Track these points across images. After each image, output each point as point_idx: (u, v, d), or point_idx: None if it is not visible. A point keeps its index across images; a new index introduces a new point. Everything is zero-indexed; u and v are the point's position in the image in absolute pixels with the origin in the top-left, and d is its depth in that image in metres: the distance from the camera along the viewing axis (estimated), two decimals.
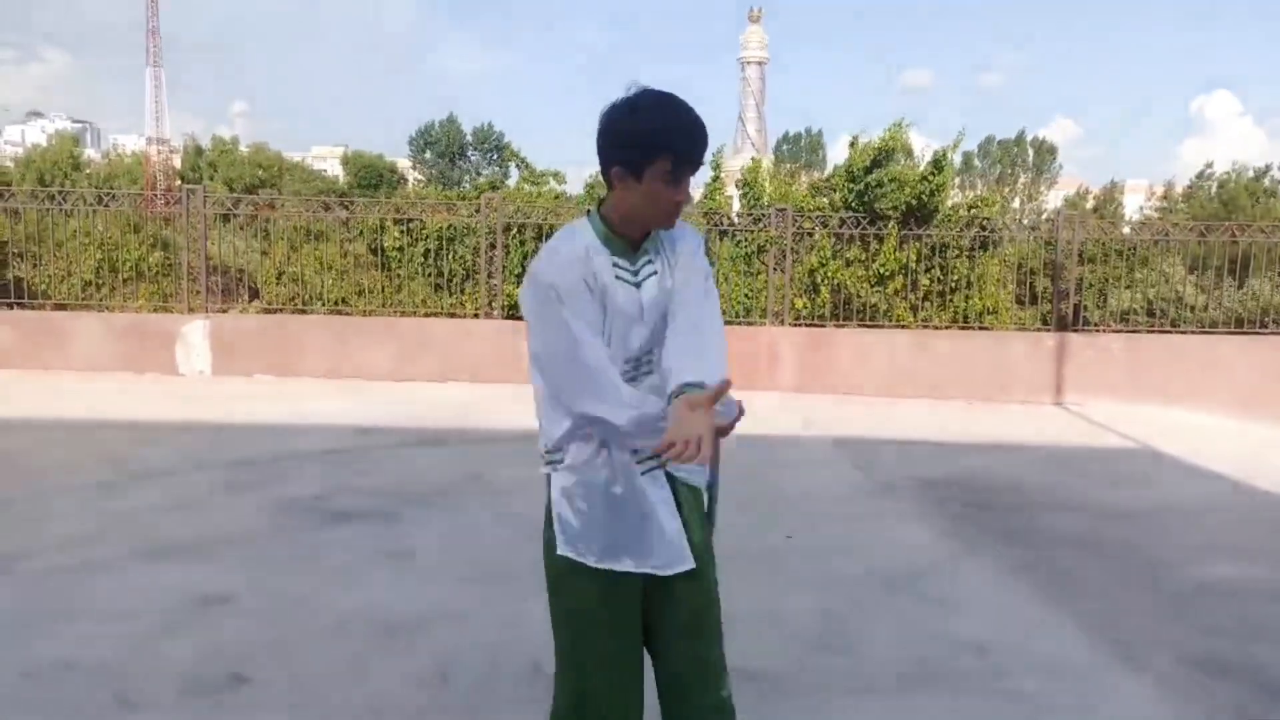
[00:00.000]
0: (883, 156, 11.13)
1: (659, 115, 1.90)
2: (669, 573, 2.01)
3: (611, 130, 1.93)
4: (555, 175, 12.65)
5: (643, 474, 2.00)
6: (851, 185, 11.15)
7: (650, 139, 1.89)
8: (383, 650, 3.53)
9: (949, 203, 11.35)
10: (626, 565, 2.01)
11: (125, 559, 4.44)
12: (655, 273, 2.01)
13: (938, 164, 10.91)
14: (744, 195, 11.92)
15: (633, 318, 1.99)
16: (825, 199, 11.68)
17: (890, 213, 10.75)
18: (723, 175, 12.26)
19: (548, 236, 11.11)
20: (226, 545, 4.69)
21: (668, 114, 1.91)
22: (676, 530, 2.02)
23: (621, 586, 2.02)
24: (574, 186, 12.78)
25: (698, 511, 2.09)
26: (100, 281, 11.05)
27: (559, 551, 2.04)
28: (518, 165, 13.24)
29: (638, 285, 2.00)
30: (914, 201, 10.73)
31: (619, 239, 2.00)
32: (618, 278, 1.98)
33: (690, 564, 2.02)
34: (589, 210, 2.05)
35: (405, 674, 3.34)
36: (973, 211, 11.22)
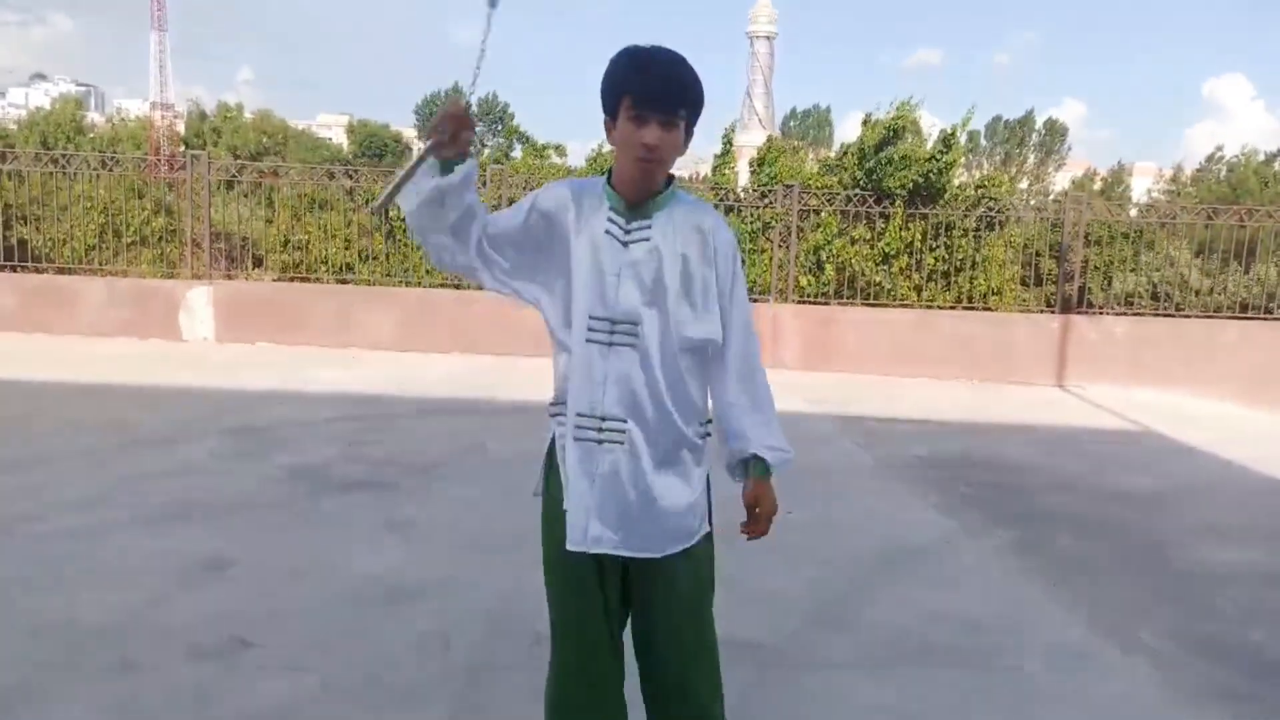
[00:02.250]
0: (892, 134, 11.07)
1: (623, 58, 1.96)
2: (572, 546, 2.02)
3: (601, 85, 1.99)
4: (557, 148, 12.60)
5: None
6: (861, 163, 11.09)
7: (613, 80, 1.96)
8: (384, 617, 3.56)
9: (956, 182, 11.29)
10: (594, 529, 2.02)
11: (128, 523, 4.46)
12: (648, 239, 1.99)
13: (946, 142, 10.84)
14: (756, 173, 11.86)
15: (607, 273, 1.98)
16: (835, 177, 11.63)
17: (898, 191, 10.70)
18: (733, 150, 12.20)
19: None
20: (229, 511, 4.71)
21: (631, 56, 1.95)
22: (620, 503, 2.00)
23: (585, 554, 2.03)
24: (578, 160, 12.72)
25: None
26: (104, 246, 11.04)
27: (535, 494, 2.16)
28: (519, 140, 13.19)
29: (625, 245, 1.99)
30: (921, 180, 10.67)
31: (617, 195, 2.02)
32: (607, 231, 2.00)
33: (582, 546, 2.00)
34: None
35: (406, 640, 3.36)
36: (980, 191, 11.17)
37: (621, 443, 1.99)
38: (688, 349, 2.02)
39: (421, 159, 1.89)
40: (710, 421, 2.13)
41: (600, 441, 1.99)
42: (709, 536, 2.12)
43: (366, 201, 11.54)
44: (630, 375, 1.98)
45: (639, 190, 2.00)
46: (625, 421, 1.99)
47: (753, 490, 2.10)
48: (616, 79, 1.95)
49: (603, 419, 1.99)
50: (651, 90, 1.91)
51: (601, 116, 2.02)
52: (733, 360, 2.07)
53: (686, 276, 2.00)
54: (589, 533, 2.00)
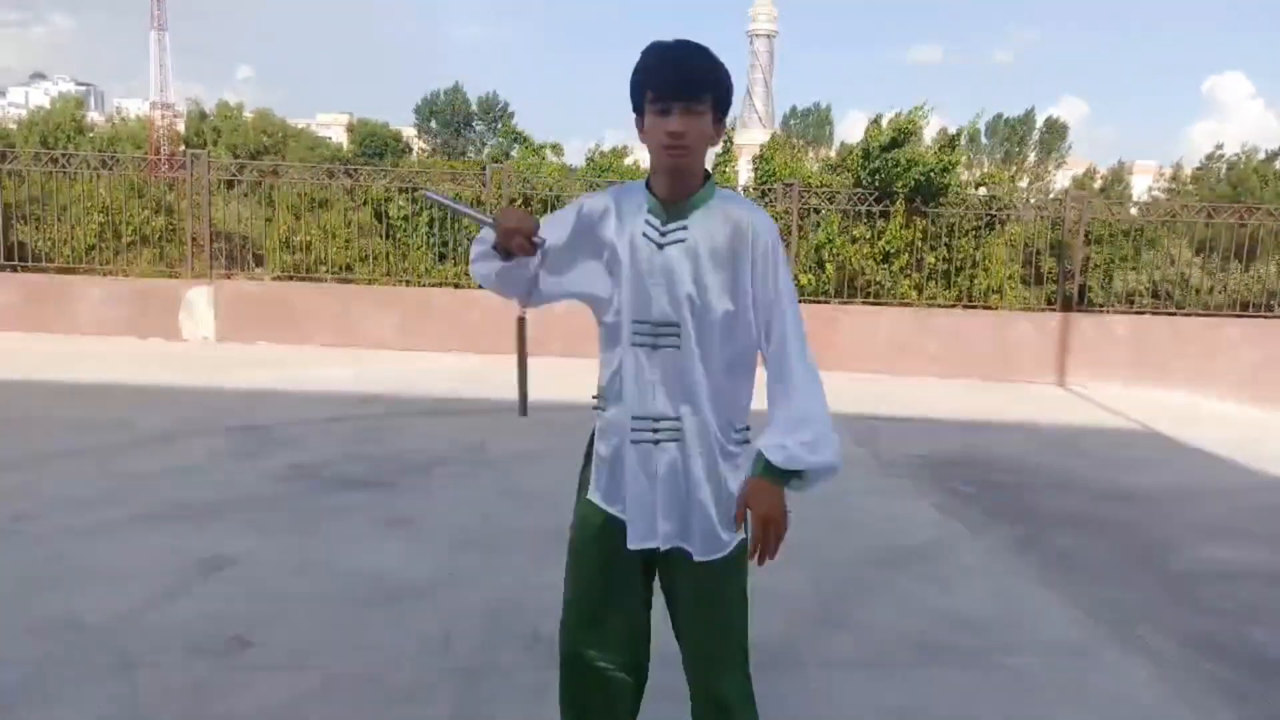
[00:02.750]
0: (901, 137, 11.08)
1: (645, 53, 1.97)
2: (636, 544, 2.04)
3: (629, 85, 1.99)
4: (553, 147, 12.61)
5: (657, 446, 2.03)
6: (866, 163, 11.10)
7: (637, 75, 1.97)
8: (384, 616, 3.56)
9: (958, 181, 11.31)
10: (616, 511, 2.07)
11: (129, 522, 4.46)
12: (683, 240, 1.98)
13: (951, 144, 10.86)
14: (759, 170, 11.87)
15: (645, 276, 1.99)
16: (838, 177, 11.64)
17: (901, 190, 10.71)
18: (734, 148, 12.22)
19: (553, 208, 11.10)
20: (229, 510, 4.71)
21: (652, 50, 1.96)
22: (663, 509, 2.02)
23: (619, 537, 2.05)
24: (577, 158, 12.72)
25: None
26: (104, 245, 11.03)
27: (581, 492, 2.15)
28: (516, 140, 13.21)
29: (660, 247, 1.99)
30: (923, 179, 10.69)
31: (653, 197, 2.02)
32: (644, 234, 2.00)
33: (653, 543, 2.03)
34: None
35: (406, 639, 3.36)
36: (981, 189, 11.17)
37: (678, 439, 2.01)
38: (729, 349, 2.01)
39: (478, 220, 2.04)
40: (748, 428, 2.10)
41: (656, 441, 2.02)
42: (742, 545, 2.08)
43: (365, 202, 11.55)
44: (676, 376, 2.00)
45: (673, 189, 1.99)
46: (678, 419, 2.01)
47: (746, 488, 1.99)
48: (639, 73, 1.96)
49: (656, 419, 2.01)
50: (671, 77, 1.92)
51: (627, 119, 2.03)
52: (774, 356, 2.02)
53: (722, 276, 1.98)
54: (658, 530, 2.03)
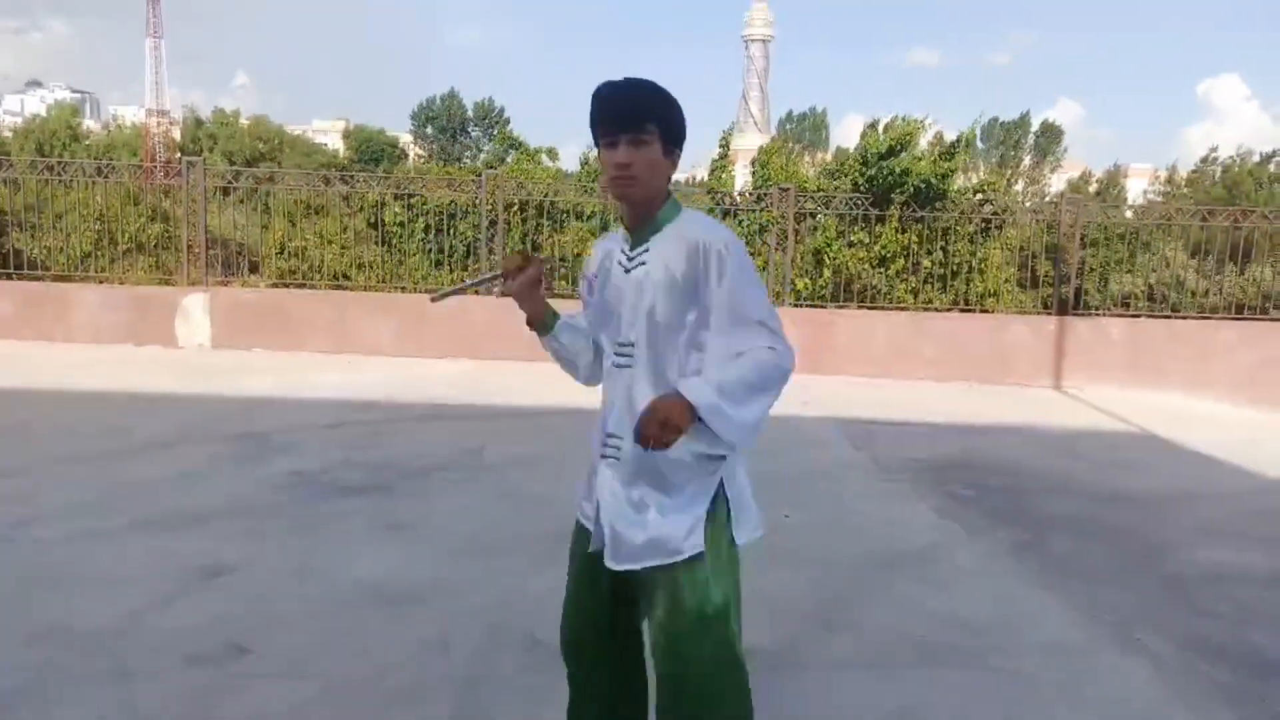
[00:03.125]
0: (900, 146, 11.12)
1: (593, 95, 2.07)
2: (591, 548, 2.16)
3: None
4: (549, 152, 12.65)
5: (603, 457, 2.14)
6: (864, 170, 11.13)
7: (590, 116, 2.07)
8: (383, 621, 3.55)
9: (955, 186, 11.35)
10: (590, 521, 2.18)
11: (126, 529, 4.45)
12: (645, 263, 2.07)
13: (950, 151, 10.90)
14: (755, 175, 11.91)
15: (612, 301, 2.13)
16: (836, 182, 11.68)
17: (898, 192, 10.74)
18: (730, 154, 12.26)
19: (548, 214, 11.12)
20: (227, 517, 4.71)
21: (597, 91, 2.06)
22: (610, 515, 2.09)
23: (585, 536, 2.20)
24: (571, 164, 12.77)
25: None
26: (100, 253, 11.03)
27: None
28: (512, 146, 13.25)
29: (627, 271, 2.11)
30: (922, 185, 10.72)
31: (624, 226, 2.16)
32: (619, 262, 2.14)
33: (608, 557, 2.09)
34: None
35: (405, 645, 3.36)
36: (978, 196, 11.20)
37: (617, 458, 2.10)
38: (677, 365, 2.05)
39: (487, 280, 2.23)
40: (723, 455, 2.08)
41: (604, 456, 2.14)
42: (699, 559, 2.03)
43: (361, 209, 11.56)
44: (627, 394, 2.09)
45: (633, 216, 2.11)
46: (621, 438, 2.09)
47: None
48: (591, 112, 2.06)
49: (608, 435, 2.13)
50: (613, 111, 2.02)
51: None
52: (713, 355, 2.01)
53: (674, 294, 2.02)
54: (597, 540, 2.15)
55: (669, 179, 2.11)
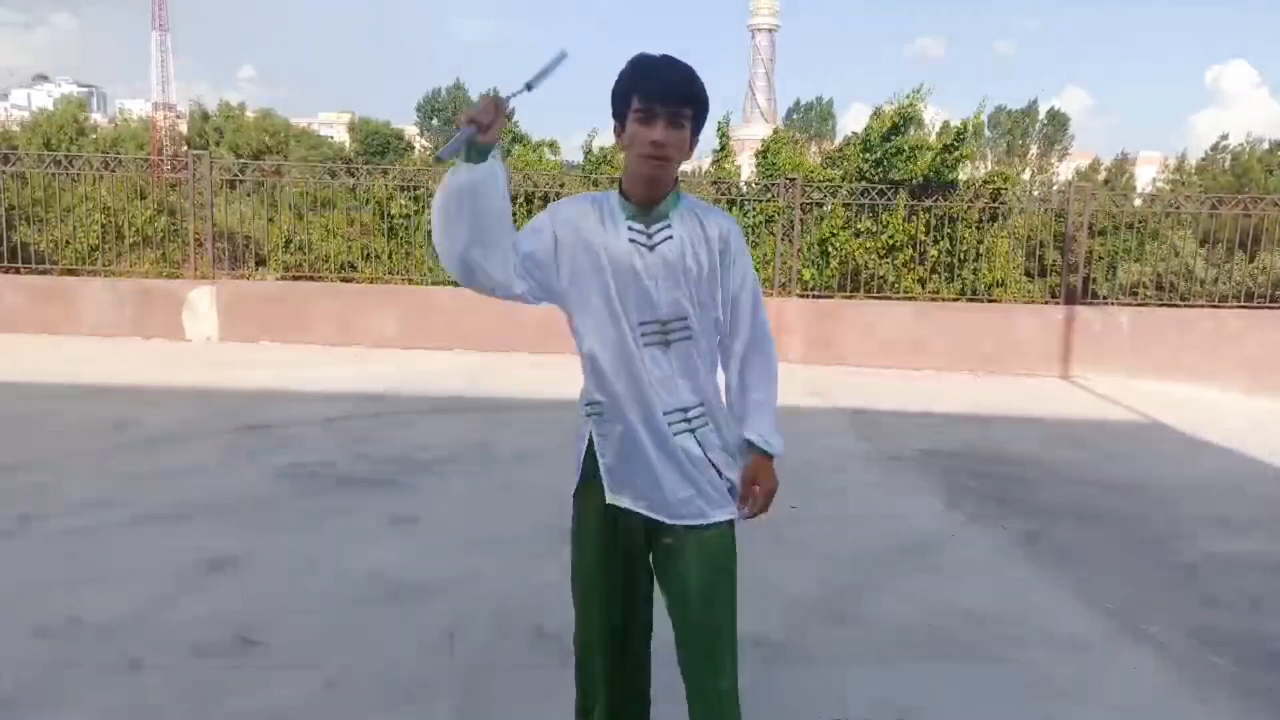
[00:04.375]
0: (901, 123, 11.05)
1: (630, 65, 2.07)
2: (660, 517, 2.11)
3: (611, 93, 2.09)
4: (551, 145, 12.62)
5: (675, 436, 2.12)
6: (867, 155, 11.07)
7: (622, 84, 2.06)
8: (388, 614, 3.56)
9: (963, 176, 11.29)
10: (625, 502, 2.12)
11: (134, 522, 4.47)
12: (670, 238, 2.09)
13: (959, 135, 10.83)
14: (760, 165, 11.85)
15: (643, 277, 2.08)
16: (839, 170, 11.62)
17: (905, 181, 10.69)
18: (731, 144, 12.19)
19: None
20: (235, 510, 4.72)
21: (636, 61, 2.07)
22: (674, 485, 2.11)
23: (620, 522, 2.14)
24: (575, 155, 12.73)
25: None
26: (107, 246, 11.05)
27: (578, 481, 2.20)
28: (515, 139, 13.24)
29: (651, 248, 2.09)
30: (931, 173, 10.67)
31: (630, 202, 2.11)
32: (632, 240, 2.09)
33: (682, 519, 2.11)
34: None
35: (411, 638, 3.36)
36: (988, 186, 11.14)
37: (708, 423, 2.15)
38: (711, 338, 2.18)
39: (469, 135, 1.95)
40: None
41: (693, 430, 2.13)
42: (728, 525, 2.18)
43: (366, 202, 11.56)
44: (692, 366, 2.12)
45: (650, 194, 2.09)
46: (702, 405, 2.14)
47: (751, 467, 2.20)
48: (625, 81, 2.05)
49: (685, 409, 2.12)
50: (657, 87, 2.01)
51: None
52: (740, 345, 2.19)
53: (702, 274, 2.11)
54: (668, 499, 2.14)
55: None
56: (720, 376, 2.23)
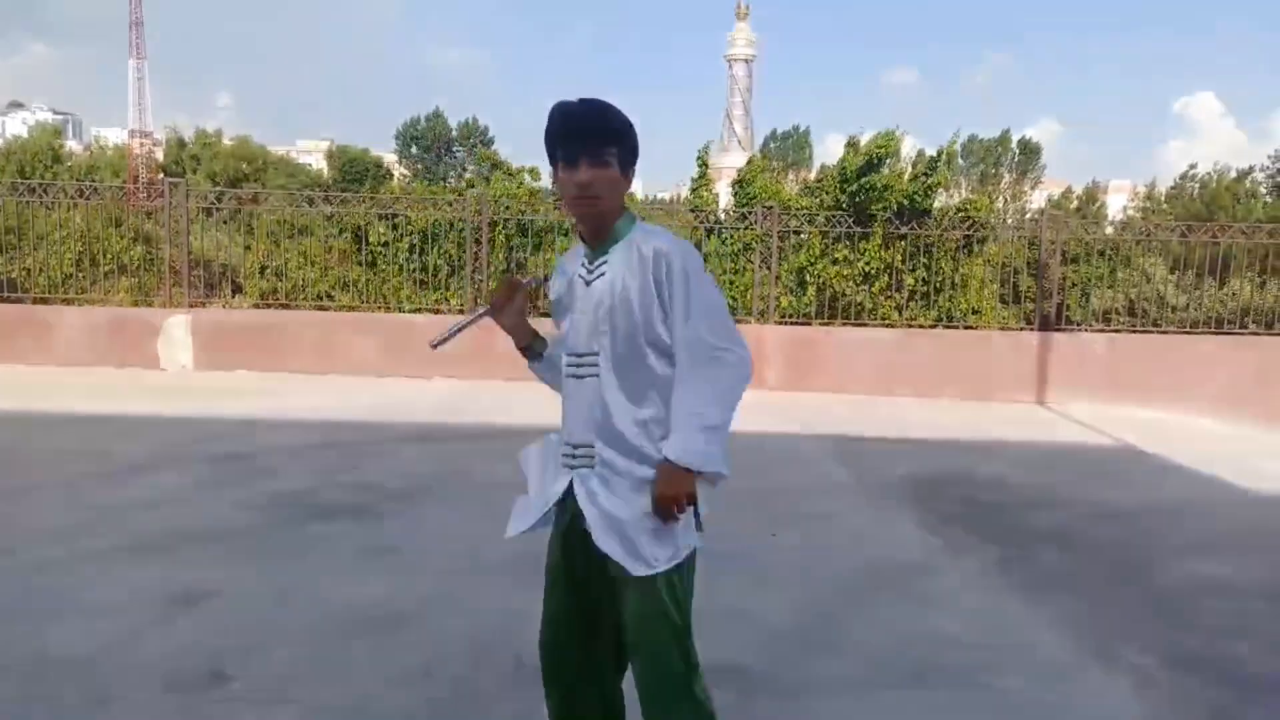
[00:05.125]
0: (876, 161, 11.19)
1: (550, 114, 2.11)
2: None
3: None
4: (531, 171, 12.67)
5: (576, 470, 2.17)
6: (844, 187, 11.19)
7: (546, 133, 2.12)
8: (365, 645, 3.52)
9: (937, 204, 11.44)
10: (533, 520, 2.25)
11: (106, 554, 4.40)
12: (604, 274, 2.13)
13: (931, 165, 10.98)
14: (738, 194, 11.95)
15: (574, 312, 2.17)
16: (816, 199, 11.74)
17: (881, 210, 10.81)
18: (709, 172, 12.29)
19: (529, 232, 11.13)
20: (209, 541, 4.66)
21: (554, 109, 2.11)
22: (609, 526, 2.10)
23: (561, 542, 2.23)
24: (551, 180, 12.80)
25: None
26: (81, 275, 10.96)
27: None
28: (494, 165, 13.27)
29: (588, 284, 2.15)
30: (905, 202, 10.79)
31: (581, 240, 2.21)
32: (580, 275, 2.18)
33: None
34: None
35: (388, 669, 3.32)
36: (961, 214, 11.28)
37: (592, 465, 2.13)
38: (643, 375, 2.11)
39: (480, 316, 2.23)
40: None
41: (574, 467, 2.15)
42: (667, 576, 2.09)
43: (341, 231, 11.54)
44: (598, 402, 2.11)
45: (593, 232, 2.15)
46: (593, 445, 2.12)
47: (657, 471, 2.07)
48: (547, 129, 2.11)
49: (575, 446, 2.15)
50: (575, 133, 2.07)
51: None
52: (680, 366, 2.09)
53: (634, 302, 2.08)
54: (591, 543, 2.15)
55: (624, 195, 2.19)
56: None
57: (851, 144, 11.74)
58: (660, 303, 2.07)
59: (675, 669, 2.09)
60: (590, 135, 2.06)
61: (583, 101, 2.09)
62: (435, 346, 2.18)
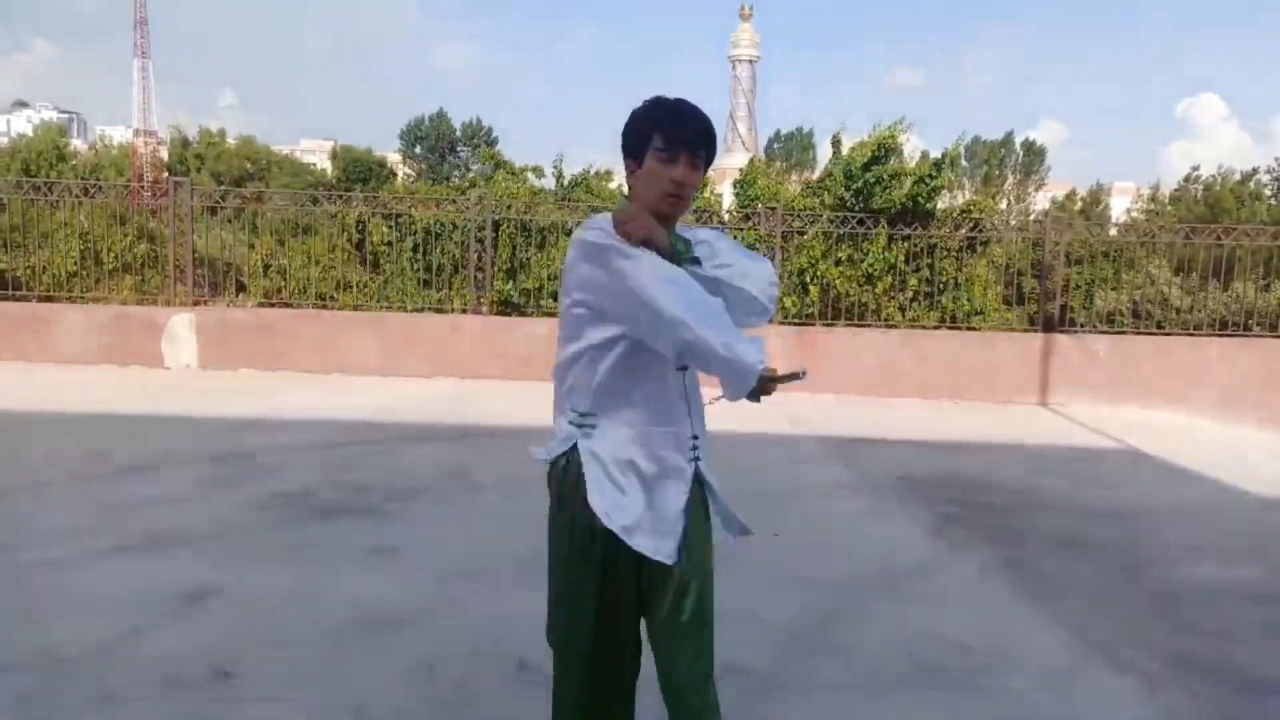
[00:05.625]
0: (881, 154, 11.18)
1: (651, 104, 2.10)
2: (653, 555, 2.06)
3: (623, 131, 2.11)
4: (535, 170, 12.66)
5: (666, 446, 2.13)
6: (848, 183, 11.18)
7: (643, 121, 2.08)
8: (368, 645, 3.52)
9: (941, 205, 11.42)
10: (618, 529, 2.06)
11: (110, 553, 4.41)
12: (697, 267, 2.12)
13: (937, 166, 10.96)
14: (740, 194, 11.95)
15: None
16: (818, 199, 11.73)
17: (886, 208, 10.80)
18: (712, 173, 12.29)
19: (533, 231, 11.14)
20: (212, 540, 4.67)
21: (659, 102, 2.10)
22: (673, 519, 2.09)
23: (610, 551, 2.09)
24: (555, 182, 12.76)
25: (703, 524, 2.17)
26: (85, 273, 10.98)
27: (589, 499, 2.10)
28: (497, 165, 13.27)
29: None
30: (909, 202, 10.78)
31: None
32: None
33: (669, 559, 2.07)
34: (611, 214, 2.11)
35: (390, 669, 3.33)
36: (964, 215, 11.26)
37: (700, 458, 2.16)
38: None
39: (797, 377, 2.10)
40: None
41: (696, 459, 2.16)
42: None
43: (346, 230, 11.56)
44: (691, 389, 2.17)
45: (667, 225, 2.10)
46: (699, 436, 2.18)
47: None
48: (645, 119, 2.07)
49: (694, 437, 2.16)
50: (683, 128, 2.05)
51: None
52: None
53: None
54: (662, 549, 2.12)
55: None
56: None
57: (836, 143, 11.77)
58: (723, 286, 2.13)
59: (710, 650, 2.18)
60: (696, 136, 2.05)
61: (687, 102, 2.10)
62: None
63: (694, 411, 2.15)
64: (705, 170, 2.11)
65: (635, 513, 2.05)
